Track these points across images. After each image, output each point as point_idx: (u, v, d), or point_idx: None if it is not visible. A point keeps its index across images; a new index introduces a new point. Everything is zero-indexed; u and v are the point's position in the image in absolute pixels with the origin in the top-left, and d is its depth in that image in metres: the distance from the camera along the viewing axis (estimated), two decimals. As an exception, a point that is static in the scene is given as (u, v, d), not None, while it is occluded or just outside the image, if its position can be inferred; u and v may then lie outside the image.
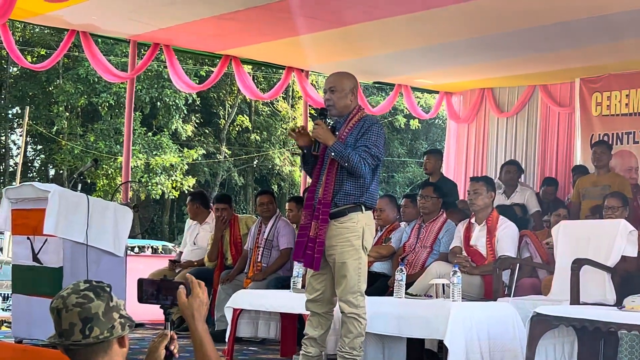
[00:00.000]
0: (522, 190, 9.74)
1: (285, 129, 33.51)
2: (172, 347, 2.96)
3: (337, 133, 5.47)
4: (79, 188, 7.23)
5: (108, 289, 2.71)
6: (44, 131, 32.61)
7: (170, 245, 29.50)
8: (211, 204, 9.33)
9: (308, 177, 5.75)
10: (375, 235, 7.94)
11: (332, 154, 5.36)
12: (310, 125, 5.70)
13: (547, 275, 7.23)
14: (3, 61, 33.55)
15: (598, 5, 7.90)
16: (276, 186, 35.11)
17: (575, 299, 6.07)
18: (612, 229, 6.57)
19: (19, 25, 30.44)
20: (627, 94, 10.53)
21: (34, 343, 6.68)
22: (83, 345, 2.63)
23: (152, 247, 29.69)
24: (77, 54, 28.09)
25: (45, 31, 29.17)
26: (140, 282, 2.91)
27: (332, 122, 5.63)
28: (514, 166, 10.01)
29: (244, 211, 33.71)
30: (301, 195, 10.12)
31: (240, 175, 35.48)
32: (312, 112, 16.53)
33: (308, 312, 5.62)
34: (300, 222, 5.66)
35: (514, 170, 9.88)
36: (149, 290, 2.91)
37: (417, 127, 35.22)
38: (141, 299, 2.91)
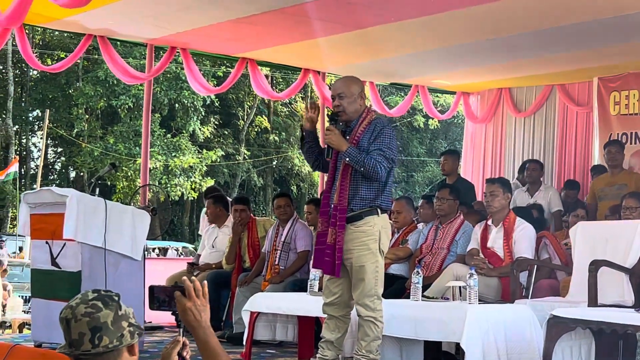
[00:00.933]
0: (546, 188, 9.73)
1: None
2: (184, 353, 2.96)
3: (348, 137, 5.47)
4: (97, 192, 7.26)
5: (116, 298, 2.72)
6: (64, 134, 32.78)
7: (190, 246, 29.59)
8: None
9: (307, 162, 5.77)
10: (392, 237, 7.96)
11: (347, 159, 5.37)
12: (325, 133, 5.72)
13: (566, 277, 7.21)
14: (23, 64, 33.79)
15: (616, 5, 7.86)
16: (295, 187, 35.15)
17: (593, 301, 6.03)
18: (630, 230, 6.53)
19: (39, 29, 30.60)
20: (645, 93, 10.48)
21: (53, 347, 6.71)
22: (93, 354, 2.64)
23: (172, 249, 29.79)
24: (96, 56, 28.24)
25: (65, 35, 29.33)
26: (152, 289, 2.91)
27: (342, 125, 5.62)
28: (537, 164, 9.98)
29: (264, 212, 33.76)
30: (319, 196, 10.12)
31: (259, 176, 35.55)
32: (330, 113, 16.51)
33: (325, 315, 5.63)
34: (317, 229, 5.67)
35: (536, 168, 9.84)
36: (160, 298, 2.91)
37: (436, 127, 35.19)
38: (152, 306, 2.92)
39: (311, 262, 7.53)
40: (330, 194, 5.49)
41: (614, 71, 10.62)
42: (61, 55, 30.80)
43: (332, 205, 5.43)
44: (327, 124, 5.66)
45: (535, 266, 7.00)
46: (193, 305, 2.78)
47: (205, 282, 2.90)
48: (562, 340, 5.33)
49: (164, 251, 29.30)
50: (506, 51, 9.85)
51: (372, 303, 5.38)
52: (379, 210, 5.44)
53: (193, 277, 2.88)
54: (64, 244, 6.88)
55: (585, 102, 11.43)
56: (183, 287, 2.82)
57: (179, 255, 28.28)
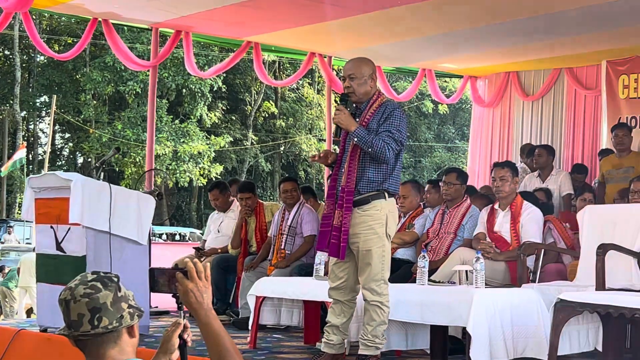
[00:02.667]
0: (558, 173, 9.69)
1: (311, 114, 33.49)
2: (185, 336, 2.95)
3: (357, 119, 5.43)
4: (101, 177, 7.24)
5: (116, 280, 2.70)
6: (71, 119, 32.81)
7: (198, 232, 29.62)
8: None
9: None
10: (398, 222, 7.92)
11: (355, 139, 5.32)
12: (334, 112, 5.69)
13: (573, 261, 7.16)
14: (30, 50, 33.79)
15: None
16: (303, 172, 35.14)
17: (600, 285, 5.98)
18: (638, 213, 6.47)
19: (47, 15, 30.57)
20: (654, 76, 10.40)
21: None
22: (92, 335, 2.62)
23: (180, 234, 29.84)
24: (103, 42, 28.20)
25: (72, 20, 29.31)
26: (152, 272, 2.89)
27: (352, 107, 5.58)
28: (543, 150, 9.92)
29: (271, 197, 33.78)
30: (326, 181, 10.09)
31: (267, 162, 35.54)
32: (337, 98, 16.45)
33: (331, 300, 5.61)
34: (323, 211, 5.63)
35: (542, 154, 9.79)
36: (160, 280, 2.89)
37: (445, 112, 35.14)
38: (153, 288, 2.89)
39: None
40: (338, 176, 5.45)
41: (623, 54, 10.56)
42: (68, 41, 30.79)
43: (340, 187, 5.39)
44: (334, 108, 5.62)
45: (543, 250, 6.96)
46: (195, 286, 2.74)
47: (208, 264, 2.87)
48: (569, 324, 5.30)
49: (171, 236, 29.35)
50: (514, 35, 9.79)
51: (378, 287, 5.35)
52: (386, 194, 5.39)
53: (195, 259, 2.85)
54: (69, 229, 6.86)
55: (593, 86, 11.36)
56: (184, 269, 2.79)
57: (188, 240, 28.34)
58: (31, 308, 15.74)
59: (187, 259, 2.86)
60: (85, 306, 2.62)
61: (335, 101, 16.55)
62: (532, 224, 6.99)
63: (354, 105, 5.54)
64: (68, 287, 2.67)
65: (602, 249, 6.09)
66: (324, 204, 7.33)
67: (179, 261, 9.03)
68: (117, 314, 2.65)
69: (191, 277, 2.75)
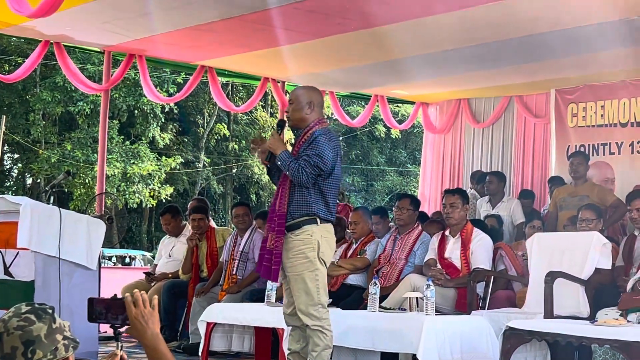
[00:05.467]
0: (509, 200, 9.77)
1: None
2: None
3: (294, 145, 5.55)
4: (52, 200, 7.17)
5: (50, 311, 2.68)
6: (20, 140, 32.42)
7: (148, 254, 29.35)
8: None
9: None
10: (350, 248, 7.97)
11: (279, 162, 5.46)
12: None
13: (522, 288, 7.23)
14: (-21, 70, 33.34)
15: (572, 18, 7.93)
16: (254, 195, 35.07)
17: (549, 312, 6.06)
18: (586, 241, 6.57)
19: (-4, 34, 30.22)
20: (602, 105, 10.55)
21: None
22: None
23: (130, 257, 29.54)
24: (54, 62, 27.95)
25: (22, 40, 29.01)
26: (91, 301, 2.89)
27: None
28: (494, 177, 10.02)
29: (223, 220, 33.63)
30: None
31: (219, 184, 35.41)
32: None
33: (283, 327, 5.61)
34: (264, 234, 5.71)
35: (493, 181, 9.88)
36: (98, 310, 2.88)
37: (397, 136, 35.34)
38: (91, 318, 2.89)
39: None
40: (276, 200, 5.52)
41: (572, 83, 10.70)
42: (18, 61, 30.41)
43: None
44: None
45: (492, 277, 7.03)
46: (139, 312, 2.78)
47: (156, 296, 2.90)
48: (517, 351, 5.35)
49: (121, 259, 29.04)
50: (465, 62, 9.89)
51: (317, 312, 5.36)
52: (318, 220, 5.43)
53: (142, 292, 2.87)
54: (17, 253, 6.76)
55: (542, 114, 11.51)
56: (122, 299, 2.82)
57: (139, 264, 28.05)
58: None
59: (127, 294, 2.88)
60: (19, 339, 2.58)
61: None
62: (482, 250, 7.07)
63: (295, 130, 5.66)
64: (1, 319, 2.64)
65: (551, 277, 6.18)
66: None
67: (130, 286, 8.96)
68: (52, 346, 2.62)
69: (136, 304, 2.77)
